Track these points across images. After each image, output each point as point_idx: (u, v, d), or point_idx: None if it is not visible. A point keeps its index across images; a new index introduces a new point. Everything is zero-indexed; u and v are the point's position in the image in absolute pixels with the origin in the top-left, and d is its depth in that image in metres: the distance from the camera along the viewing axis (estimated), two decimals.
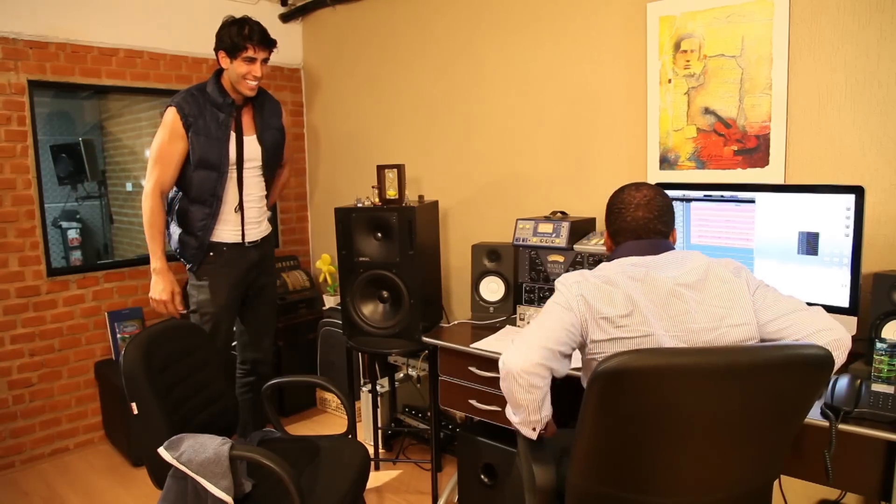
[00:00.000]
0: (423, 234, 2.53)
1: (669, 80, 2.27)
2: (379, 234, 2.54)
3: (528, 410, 1.39)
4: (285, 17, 3.79)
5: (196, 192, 2.44)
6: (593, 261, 2.21)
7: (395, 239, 2.49)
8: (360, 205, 2.59)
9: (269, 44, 2.43)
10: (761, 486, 1.31)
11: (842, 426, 1.43)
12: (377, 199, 2.60)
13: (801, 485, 1.98)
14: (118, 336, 3.16)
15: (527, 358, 1.35)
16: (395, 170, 2.55)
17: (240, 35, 2.35)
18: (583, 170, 2.57)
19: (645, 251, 1.44)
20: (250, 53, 2.36)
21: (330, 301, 3.56)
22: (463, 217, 3.08)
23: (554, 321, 1.37)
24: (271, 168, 2.65)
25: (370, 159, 3.30)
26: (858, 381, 1.54)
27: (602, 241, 2.19)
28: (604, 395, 1.13)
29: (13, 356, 2.91)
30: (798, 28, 1.97)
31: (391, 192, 2.57)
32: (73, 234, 3.35)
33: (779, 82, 2.02)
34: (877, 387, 1.53)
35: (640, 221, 1.47)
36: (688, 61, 2.22)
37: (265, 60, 2.44)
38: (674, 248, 1.47)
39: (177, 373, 1.88)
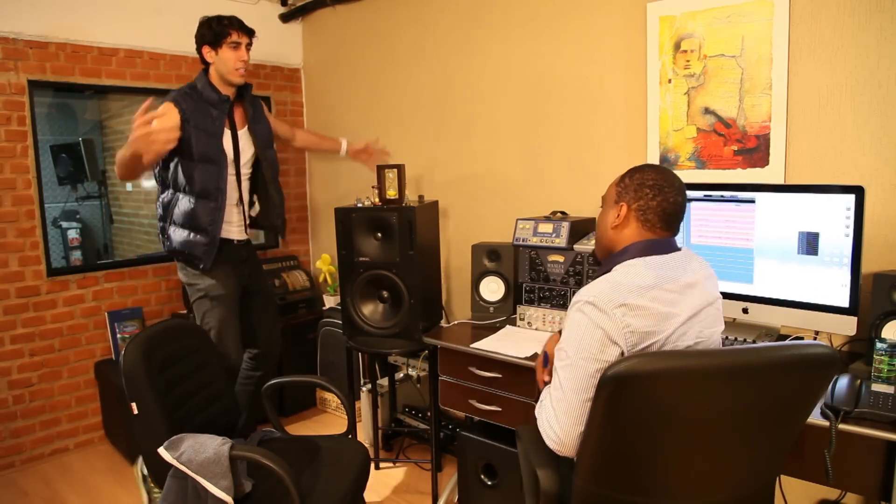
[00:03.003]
0: (423, 234, 2.53)
1: (669, 80, 2.27)
2: (379, 234, 2.54)
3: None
4: (285, 17, 3.79)
5: (200, 187, 2.43)
6: (593, 261, 2.21)
7: (395, 239, 2.49)
8: (360, 205, 2.59)
9: (249, 30, 2.51)
10: (764, 485, 1.32)
11: (842, 426, 1.43)
12: (377, 199, 2.60)
13: (801, 485, 1.98)
14: (118, 336, 3.16)
15: (575, 434, 1.27)
16: (395, 170, 2.55)
17: (220, 24, 2.44)
18: (583, 169, 2.57)
19: (661, 250, 1.35)
20: (234, 38, 2.44)
21: (330, 301, 3.56)
22: (463, 217, 3.08)
23: (595, 375, 1.23)
24: (269, 160, 2.65)
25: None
26: (858, 381, 1.54)
27: None
28: (613, 400, 1.13)
29: (13, 356, 2.91)
30: (798, 28, 1.97)
31: (391, 192, 2.57)
32: (73, 234, 3.36)
33: (779, 82, 2.02)
34: (877, 387, 1.53)
35: (680, 207, 1.38)
36: (688, 61, 2.22)
37: (248, 46, 2.51)
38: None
39: (177, 373, 1.89)
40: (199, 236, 2.45)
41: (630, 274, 1.29)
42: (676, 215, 1.38)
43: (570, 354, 1.27)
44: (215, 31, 2.43)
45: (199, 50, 2.48)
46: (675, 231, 1.40)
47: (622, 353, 1.23)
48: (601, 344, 1.23)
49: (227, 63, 2.45)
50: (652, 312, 1.24)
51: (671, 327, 1.25)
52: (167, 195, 2.50)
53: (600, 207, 1.50)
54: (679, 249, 1.39)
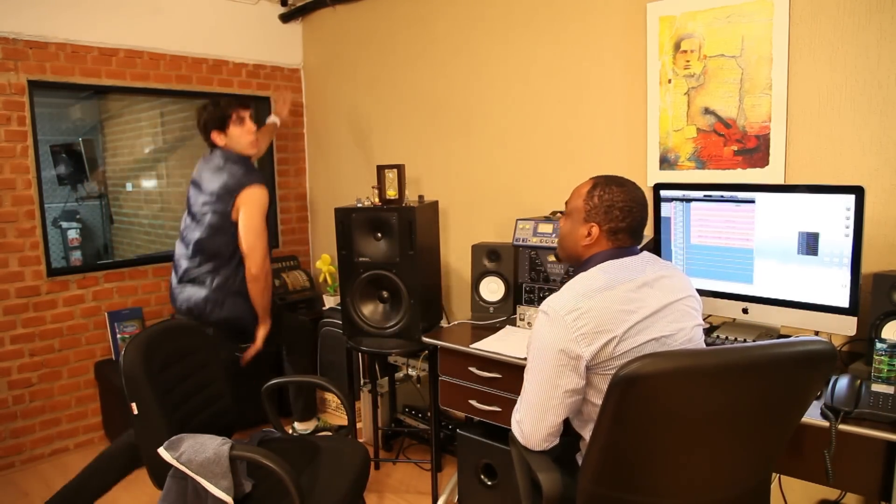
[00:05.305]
0: (423, 234, 2.53)
1: (669, 81, 2.27)
2: (379, 234, 2.55)
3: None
4: (285, 17, 3.79)
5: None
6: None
7: (395, 239, 2.49)
8: (360, 205, 2.59)
9: (246, 104, 2.65)
10: (763, 479, 1.34)
11: (842, 426, 1.43)
12: (377, 199, 2.60)
13: (801, 485, 1.98)
14: (118, 336, 3.16)
15: (542, 435, 1.41)
16: (395, 170, 2.55)
17: (218, 108, 2.56)
18: (583, 170, 2.56)
19: (620, 255, 1.45)
20: (240, 113, 2.59)
21: (330, 301, 3.56)
22: (463, 217, 3.08)
23: (554, 378, 1.36)
24: None
25: (370, 159, 3.30)
26: (858, 382, 1.54)
27: None
28: (623, 401, 1.14)
29: (13, 356, 2.91)
30: (798, 28, 1.97)
31: (391, 192, 2.57)
32: (73, 234, 3.35)
33: (779, 82, 2.02)
34: (877, 387, 1.53)
35: (645, 220, 1.49)
36: (688, 61, 2.22)
37: (252, 117, 2.64)
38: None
39: (177, 373, 1.89)
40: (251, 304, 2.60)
41: (584, 279, 1.40)
42: (642, 228, 1.49)
43: (530, 359, 1.42)
44: (217, 116, 2.54)
45: (207, 136, 2.60)
46: (640, 239, 1.50)
47: (578, 356, 1.32)
48: (553, 350, 1.34)
49: (239, 140, 2.57)
50: (602, 312, 1.32)
51: (626, 324, 1.32)
52: (231, 265, 2.56)
53: (564, 214, 1.57)
54: (638, 253, 1.48)
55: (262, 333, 2.65)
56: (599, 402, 1.36)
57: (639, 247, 1.50)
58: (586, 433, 1.48)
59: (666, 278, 1.43)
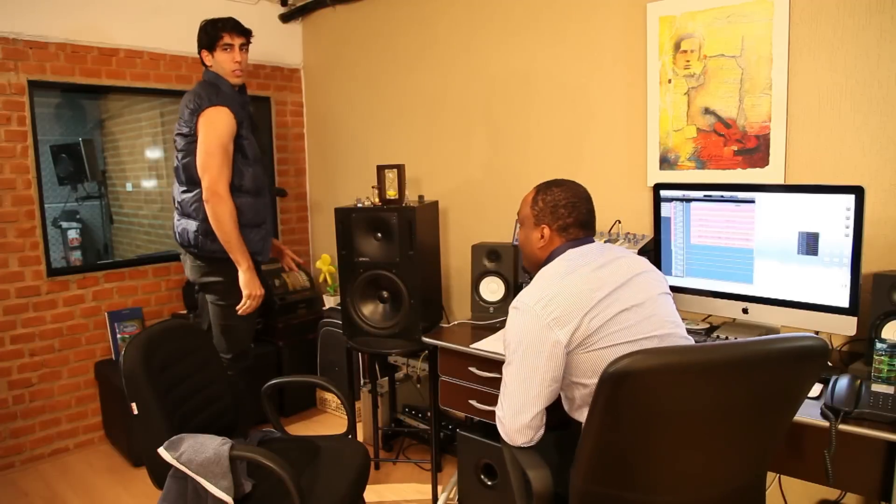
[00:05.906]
0: (423, 234, 2.53)
1: (669, 81, 2.27)
2: (379, 235, 2.55)
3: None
4: (285, 17, 3.79)
5: (256, 185, 2.51)
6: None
7: (395, 239, 2.49)
8: (360, 205, 2.59)
9: (243, 30, 2.54)
10: (757, 477, 1.34)
11: (842, 426, 1.43)
12: (377, 200, 2.60)
13: (801, 485, 1.98)
14: (118, 336, 3.16)
15: (519, 426, 1.42)
16: (395, 170, 2.56)
17: (214, 28, 2.49)
18: (582, 170, 2.57)
19: (576, 245, 1.55)
20: (227, 40, 2.48)
21: (330, 301, 3.56)
22: (463, 217, 3.08)
23: (533, 368, 1.40)
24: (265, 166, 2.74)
25: (370, 159, 3.30)
26: (858, 382, 1.54)
27: None
28: (613, 397, 1.14)
29: (13, 356, 2.91)
30: (798, 28, 1.97)
31: (391, 193, 2.57)
32: (73, 234, 3.35)
33: (779, 82, 2.02)
34: (877, 387, 1.53)
35: (592, 213, 1.59)
36: (688, 61, 2.22)
37: (243, 47, 2.54)
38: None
39: (177, 373, 1.89)
40: (254, 232, 2.50)
41: (547, 270, 1.50)
42: (591, 220, 1.59)
43: (508, 355, 1.46)
44: (210, 34, 2.48)
45: (199, 54, 2.54)
46: (593, 230, 1.60)
47: (556, 341, 1.37)
48: (530, 341, 1.40)
49: (222, 66, 2.50)
50: (568, 295, 1.39)
51: (593, 300, 1.38)
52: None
53: (518, 225, 1.67)
54: (593, 242, 1.58)
55: (242, 280, 2.44)
56: (587, 381, 1.40)
57: (593, 237, 1.59)
58: (582, 417, 1.48)
59: (621, 258, 1.51)
